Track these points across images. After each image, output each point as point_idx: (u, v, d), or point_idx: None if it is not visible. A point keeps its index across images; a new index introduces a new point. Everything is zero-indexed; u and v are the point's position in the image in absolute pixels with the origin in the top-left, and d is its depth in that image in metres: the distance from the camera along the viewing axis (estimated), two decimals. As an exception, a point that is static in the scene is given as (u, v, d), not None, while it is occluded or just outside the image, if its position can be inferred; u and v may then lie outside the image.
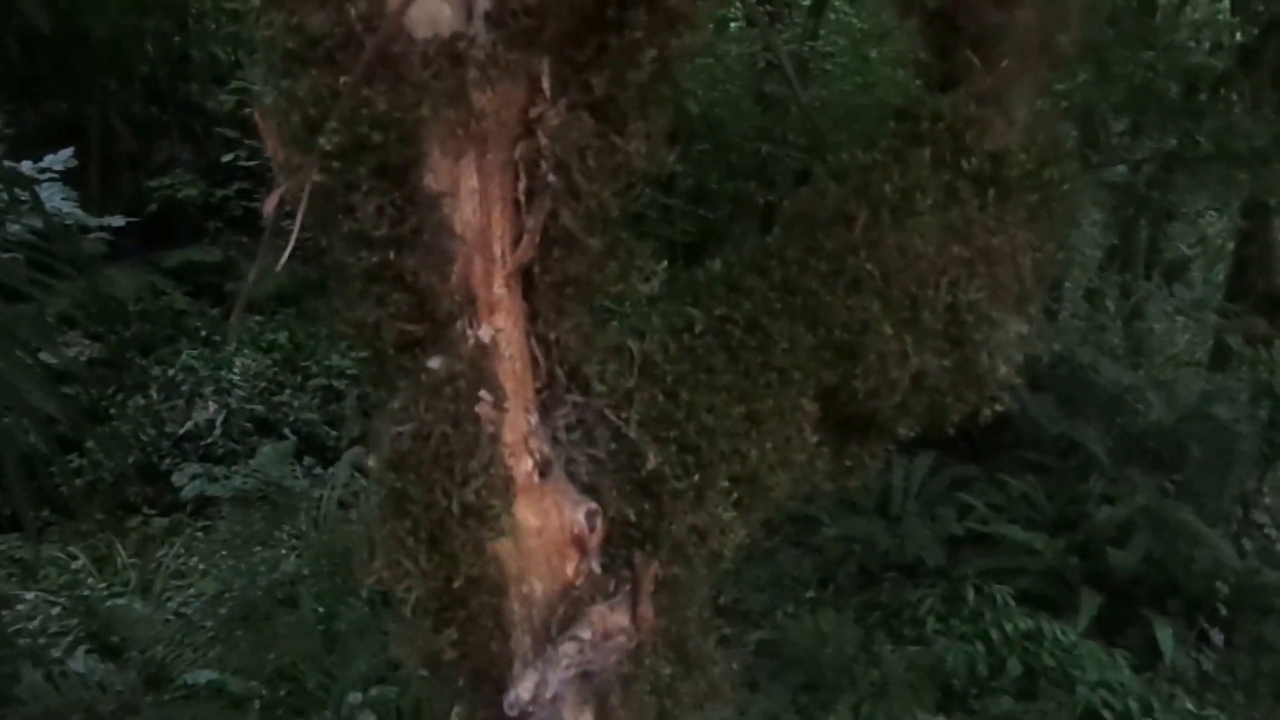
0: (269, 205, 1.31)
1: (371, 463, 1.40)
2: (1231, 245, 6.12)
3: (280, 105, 1.32)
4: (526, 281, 1.51)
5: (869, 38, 6.81)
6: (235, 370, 8.00)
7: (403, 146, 1.28)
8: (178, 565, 5.99)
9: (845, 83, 6.74)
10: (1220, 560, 5.34)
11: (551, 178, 1.39)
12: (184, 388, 7.67)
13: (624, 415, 1.61)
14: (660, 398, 1.64)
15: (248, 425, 7.53)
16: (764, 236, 1.81)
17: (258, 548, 5.90)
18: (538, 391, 1.56)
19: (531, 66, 1.36)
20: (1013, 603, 5.38)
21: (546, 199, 1.41)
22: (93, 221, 7.72)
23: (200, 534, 6.49)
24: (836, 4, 8.26)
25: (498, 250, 1.43)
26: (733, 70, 6.37)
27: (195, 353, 8.12)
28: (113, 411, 7.56)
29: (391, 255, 1.33)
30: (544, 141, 1.37)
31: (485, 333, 1.42)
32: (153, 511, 6.86)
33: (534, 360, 1.54)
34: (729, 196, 7.08)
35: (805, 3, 7.79)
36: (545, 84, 1.37)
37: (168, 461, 7.19)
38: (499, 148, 1.40)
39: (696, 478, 1.64)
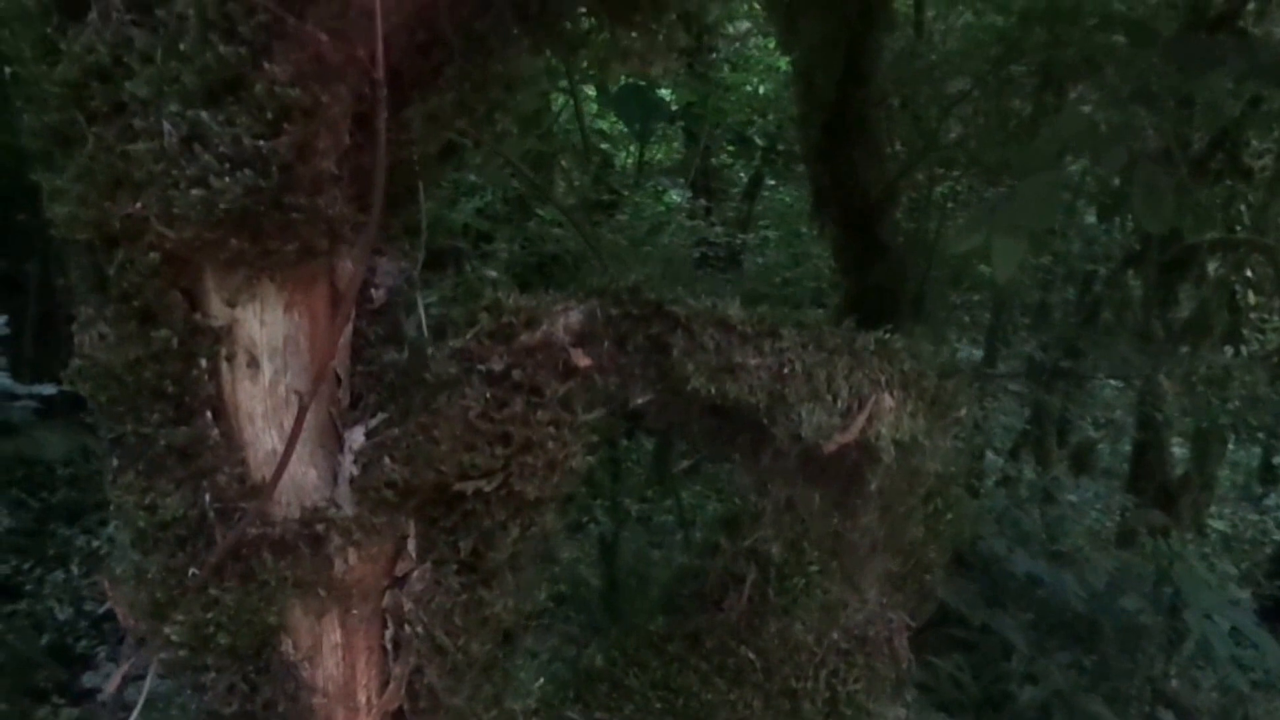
0: (112, 684, 1.28)
1: None
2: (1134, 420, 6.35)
3: (129, 576, 1.30)
4: (398, 714, 1.47)
5: (799, 216, 7.05)
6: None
7: (252, 639, 1.26)
8: (85, 767, 5.67)
9: (775, 274, 6.94)
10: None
11: (418, 632, 1.37)
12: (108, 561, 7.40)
13: (499, 831, 1.56)
14: (538, 806, 1.60)
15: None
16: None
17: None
18: (407, 816, 1.51)
19: (398, 528, 1.35)
20: (940, 799, 5.33)
21: (412, 652, 1.38)
22: (21, 389, 7.56)
23: (114, 728, 6.17)
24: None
25: (362, 699, 1.40)
26: (671, 258, 6.51)
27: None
28: (28, 587, 7.26)
29: (242, 733, 1.30)
30: (408, 606, 1.35)
31: (343, 795, 1.37)
32: (62, 700, 6.52)
33: (403, 790, 1.49)
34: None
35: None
36: (411, 545, 1.36)
37: (83, 643, 6.88)
38: (364, 602, 1.37)
39: None
